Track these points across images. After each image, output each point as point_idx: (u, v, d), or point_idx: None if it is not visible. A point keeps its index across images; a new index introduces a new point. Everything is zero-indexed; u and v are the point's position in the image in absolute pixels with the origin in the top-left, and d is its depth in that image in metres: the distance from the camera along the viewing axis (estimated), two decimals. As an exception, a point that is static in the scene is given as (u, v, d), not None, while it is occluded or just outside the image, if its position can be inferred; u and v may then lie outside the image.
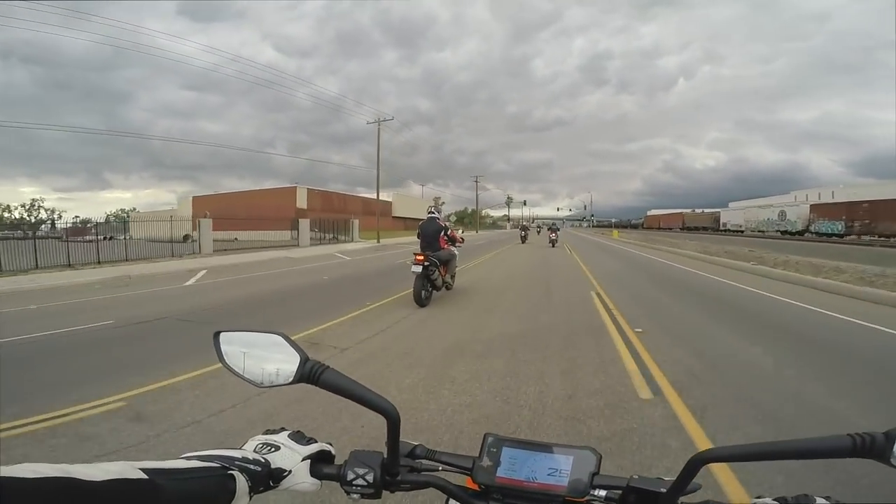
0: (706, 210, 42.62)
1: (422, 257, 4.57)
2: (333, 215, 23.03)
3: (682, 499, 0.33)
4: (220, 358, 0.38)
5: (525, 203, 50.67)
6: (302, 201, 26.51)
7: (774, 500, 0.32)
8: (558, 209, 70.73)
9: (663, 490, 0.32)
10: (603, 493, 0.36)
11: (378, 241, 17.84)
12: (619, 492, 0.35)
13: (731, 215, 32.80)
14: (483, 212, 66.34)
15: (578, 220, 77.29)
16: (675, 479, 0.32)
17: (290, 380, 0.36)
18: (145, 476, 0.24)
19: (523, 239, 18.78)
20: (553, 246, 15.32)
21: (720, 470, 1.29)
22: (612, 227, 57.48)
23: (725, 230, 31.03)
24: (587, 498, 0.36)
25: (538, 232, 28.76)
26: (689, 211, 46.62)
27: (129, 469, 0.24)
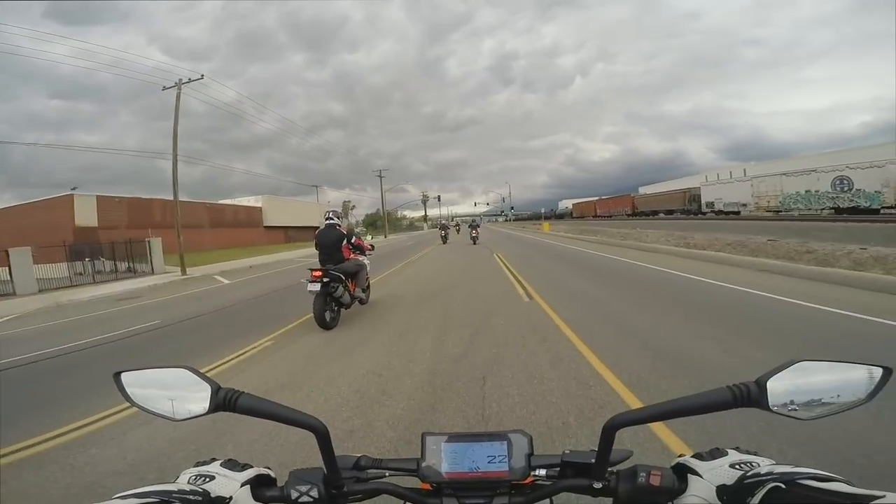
0: (676, 188, 33.85)
1: (319, 272, 4.44)
2: (149, 232, 18.50)
3: (617, 467, 0.43)
4: (127, 398, 0.42)
5: (439, 199, 53.57)
6: (87, 215, 20.46)
7: (693, 455, 0.43)
8: (475, 204, 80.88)
9: (592, 460, 0.43)
10: (543, 471, 0.45)
11: (183, 272, 12.43)
12: (556, 468, 0.45)
13: (725, 191, 23.96)
14: (400, 213, 70.39)
15: (496, 214, 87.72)
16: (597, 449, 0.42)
17: (206, 410, 0.41)
18: None
19: (444, 239, 20.42)
20: (475, 243, 17.58)
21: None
22: (531, 219, 66.37)
23: (713, 212, 24.21)
24: (530, 478, 0.45)
25: (457, 230, 31.66)
26: (646, 190, 43.78)
27: None
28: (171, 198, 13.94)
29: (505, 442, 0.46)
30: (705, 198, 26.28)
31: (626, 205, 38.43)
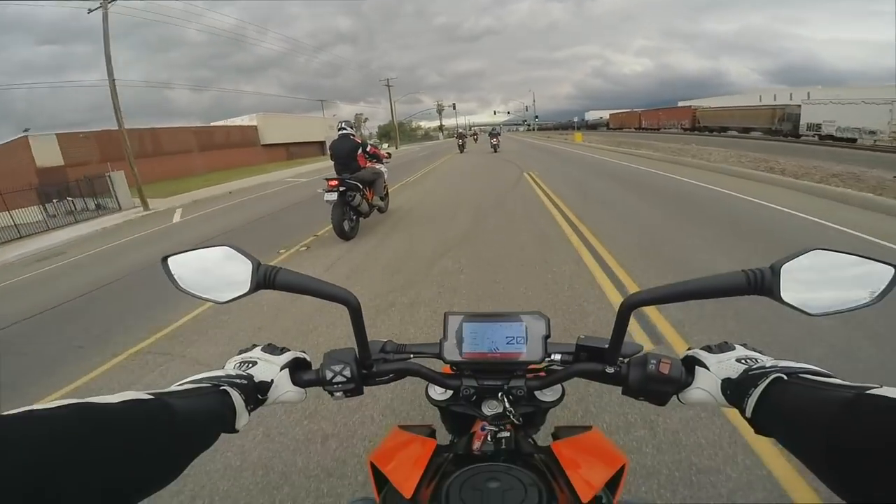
0: (758, 105, 28.57)
1: (335, 181, 4.67)
2: (109, 167, 17.39)
3: (629, 358, 0.46)
4: (174, 283, 0.46)
5: (454, 107, 50.01)
6: (49, 156, 19.54)
7: (702, 348, 0.46)
8: (495, 112, 76.57)
9: (606, 346, 0.46)
10: (558, 356, 0.49)
11: (145, 207, 11.44)
12: (571, 354, 0.49)
13: (843, 113, 19.38)
14: (414, 124, 70.37)
15: (517, 123, 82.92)
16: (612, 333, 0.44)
17: (248, 288, 0.44)
18: (154, 398, 0.32)
19: (461, 148, 20.54)
20: (495, 151, 18.01)
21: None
22: (557, 129, 62.16)
23: (816, 136, 20.14)
24: (545, 363, 0.49)
25: (475, 139, 31.03)
26: (704, 103, 37.95)
27: (138, 393, 0.31)
28: (156, 126, 14.14)
29: (522, 324, 0.49)
30: (807, 118, 21.82)
31: (683, 117, 34.22)
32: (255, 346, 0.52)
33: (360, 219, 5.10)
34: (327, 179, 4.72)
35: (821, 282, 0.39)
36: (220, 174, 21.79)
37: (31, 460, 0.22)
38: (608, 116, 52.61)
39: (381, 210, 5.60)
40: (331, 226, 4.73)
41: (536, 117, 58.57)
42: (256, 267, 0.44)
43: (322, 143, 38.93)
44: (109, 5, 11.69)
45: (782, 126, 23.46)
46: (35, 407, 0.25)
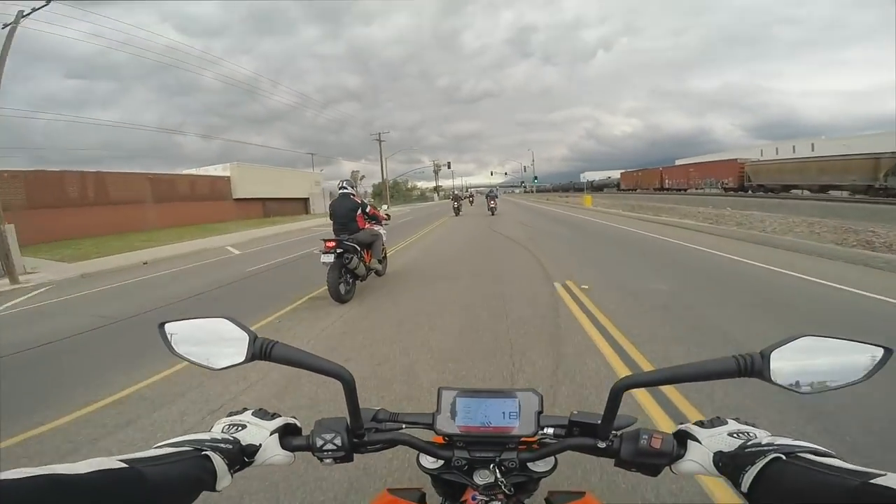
0: (848, 154, 21.22)
1: (332, 243, 4.98)
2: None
3: (622, 431, 0.52)
4: (169, 348, 0.51)
5: (450, 165, 53.65)
6: None
7: (695, 423, 0.52)
8: (492, 173, 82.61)
9: (598, 421, 0.52)
10: (550, 430, 0.55)
11: (12, 279, 8.95)
12: (564, 427, 0.54)
13: None
14: (410, 184, 76.90)
15: (513, 185, 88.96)
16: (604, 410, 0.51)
17: (243, 359, 0.50)
18: (125, 465, 0.35)
19: (456, 211, 21.89)
20: (492, 214, 19.46)
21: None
22: (555, 191, 65.67)
23: None
24: (538, 436, 0.54)
25: (471, 202, 33.01)
26: (698, 159, 38.94)
27: (109, 461, 0.34)
28: (121, 170, 13.21)
29: (516, 399, 0.55)
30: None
31: (724, 174, 29.71)
32: (245, 409, 0.57)
33: (357, 282, 5.31)
34: (325, 240, 5.00)
35: (810, 365, 0.45)
36: (173, 231, 20.94)
37: None
38: (619, 175, 51.34)
39: (378, 273, 5.86)
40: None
41: (535, 178, 62.52)
42: (253, 340, 0.50)
43: (306, 201, 39.78)
44: (23, 20, 11.05)
45: (889, 181, 17.97)
46: (1, 477, 0.27)
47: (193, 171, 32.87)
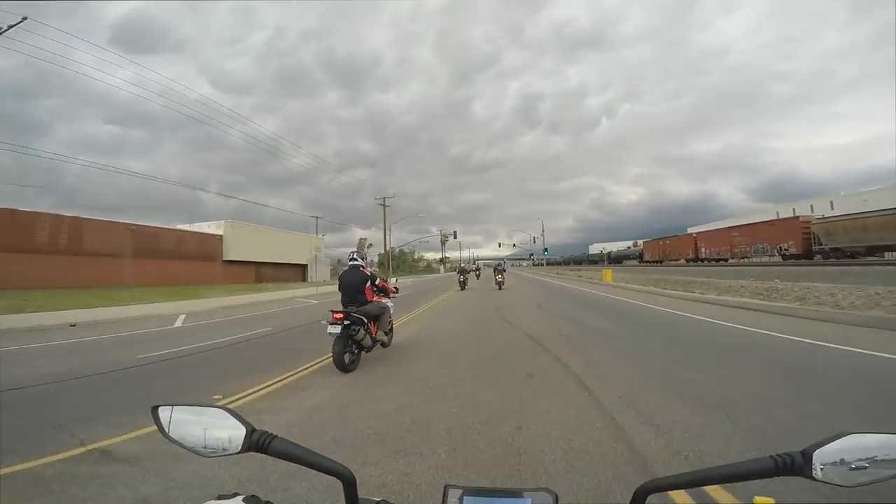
0: (853, 193, 28.20)
1: (340, 315, 5.32)
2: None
3: None
4: (162, 431, 0.56)
5: (455, 235, 55.76)
6: None
7: None
8: (500, 245, 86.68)
9: None
10: None
11: None
12: None
13: None
14: (417, 254, 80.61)
15: (521, 258, 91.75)
16: None
17: (238, 450, 0.54)
18: None
19: (462, 285, 22.22)
20: (500, 288, 19.64)
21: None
22: (565, 264, 66.43)
23: None
24: None
25: (477, 275, 33.60)
26: (704, 228, 40.45)
27: None
28: (115, 220, 13.36)
29: (527, 500, 0.54)
30: None
31: (782, 237, 25.61)
32: (237, 494, 0.59)
33: (362, 353, 5.57)
34: (333, 312, 5.35)
35: (854, 460, 0.47)
36: (146, 291, 19.81)
37: None
38: (638, 245, 48.80)
39: (384, 345, 6.16)
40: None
41: (546, 250, 63.75)
42: (250, 433, 0.54)
43: (304, 267, 40.08)
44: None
45: None
46: None
47: (185, 227, 32.27)
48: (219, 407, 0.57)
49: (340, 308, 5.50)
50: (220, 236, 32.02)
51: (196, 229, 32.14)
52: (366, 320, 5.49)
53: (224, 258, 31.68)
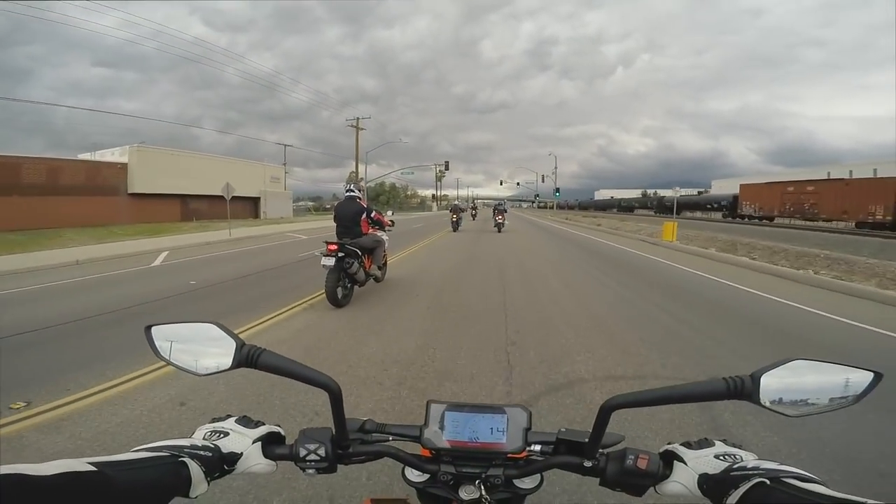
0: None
1: (334, 246, 6.53)
2: None
3: (608, 450, 0.73)
4: (155, 352, 0.72)
5: (447, 167, 55.87)
6: None
7: (682, 444, 0.72)
8: (501, 182, 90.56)
9: (586, 440, 0.72)
10: (538, 447, 0.77)
11: None
12: (551, 445, 0.77)
13: None
14: (410, 190, 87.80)
15: (523, 200, 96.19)
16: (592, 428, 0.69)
17: (229, 365, 0.70)
18: (94, 468, 0.47)
19: (455, 225, 23.85)
20: (499, 231, 20.72)
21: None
22: (580, 208, 69.36)
23: None
24: (525, 453, 0.76)
25: (473, 215, 34.98)
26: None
27: (76, 463, 0.46)
28: None
29: (504, 415, 0.77)
30: None
31: (869, 199, 26.53)
32: (229, 416, 0.80)
33: (355, 287, 6.93)
34: (327, 243, 6.55)
35: (799, 388, 0.62)
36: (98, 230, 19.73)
37: None
38: (738, 188, 43.35)
39: (377, 279, 7.58)
40: None
41: (557, 190, 65.01)
42: (240, 347, 0.70)
43: (256, 201, 40.18)
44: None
45: None
46: None
47: (88, 157, 31.82)
48: (210, 322, 0.73)
49: (335, 240, 6.70)
50: (124, 165, 31.18)
51: (100, 158, 31.77)
52: (360, 253, 6.73)
53: (130, 191, 31.04)
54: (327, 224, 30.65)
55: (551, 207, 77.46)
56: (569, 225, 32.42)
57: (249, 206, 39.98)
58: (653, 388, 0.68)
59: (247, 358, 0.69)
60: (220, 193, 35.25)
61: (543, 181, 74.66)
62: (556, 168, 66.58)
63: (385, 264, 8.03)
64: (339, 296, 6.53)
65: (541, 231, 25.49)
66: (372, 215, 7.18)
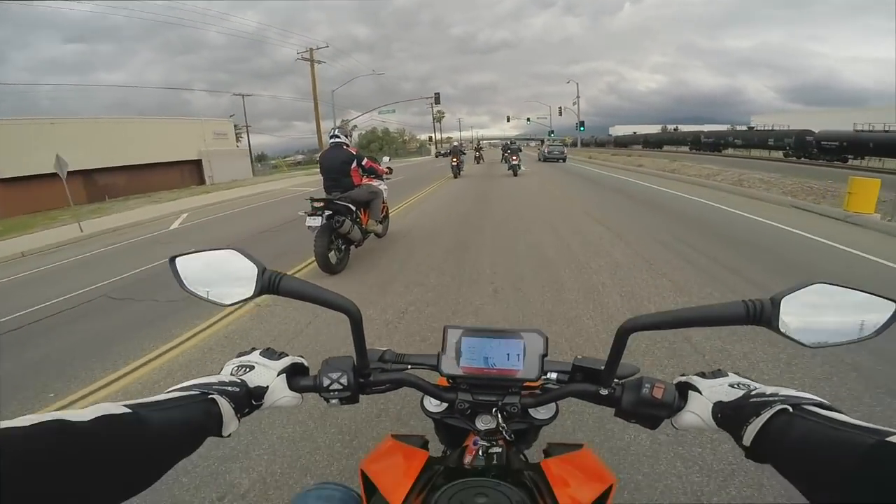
0: None
1: (320, 203, 6.96)
2: None
3: (624, 380, 0.93)
4: (180, 283, 0.91)
5: (438, 99, 55.98)
6: None
7: (696, 374, 0.92)
8: (508, 119, 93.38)
9: (602, 367, 0.91)
10: (554, 375, 1.01)
11: None
12: (567, 373, 1.00)
13: None
14: (407, 135, 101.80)
15: (533, 139, 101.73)
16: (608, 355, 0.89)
17: (252, 293, 0.88)
18: (129, 410, 0.60)
19: (456, 170, 25.09)
20: (515, 174, 21.75)
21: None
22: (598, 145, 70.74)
23: None
24: (541, 380, 0.99)
25: (478, 159, 35.49)
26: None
27: (113, 406, 0.59)
28: None
29: (521, 341, 0.96)
30: None
31: None
32: (254, 349, 1.02)
33: (352, 248, 7.44)
34: (312, 199, 6.95)
35: (820, 315, 0.74)
36: None
37: (11, 476, 0.44)
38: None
39: (378, 235, 8.18)
40: None
41: (582, 124, 65.29)
42: (262, 272, 0.87)
43: (197, 164, 40.07)
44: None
45: None
46: (11, 424, 0.48)
47: None
48: (231, 248, 0.91)
49: (322, 196, 7.08)
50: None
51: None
52: (353, 208, 7.19)
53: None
54: (296, 182, 31.35)
55: (568, 145, 79.01)
56: (598, 166, 32.06)
57: (188, 172, 40.18)
58: (670, 311, 0.82)
59: (269, 284, 0.87)
60: (144, 161, 34.70)
61: (561, 114, 75.11)
62: (578, 97, 66.58)
63: (386, 216, 8.62)
64: (333, 261, 6.96)
65: (573, 178, 24.05)
66: (364, 163, 7.53)
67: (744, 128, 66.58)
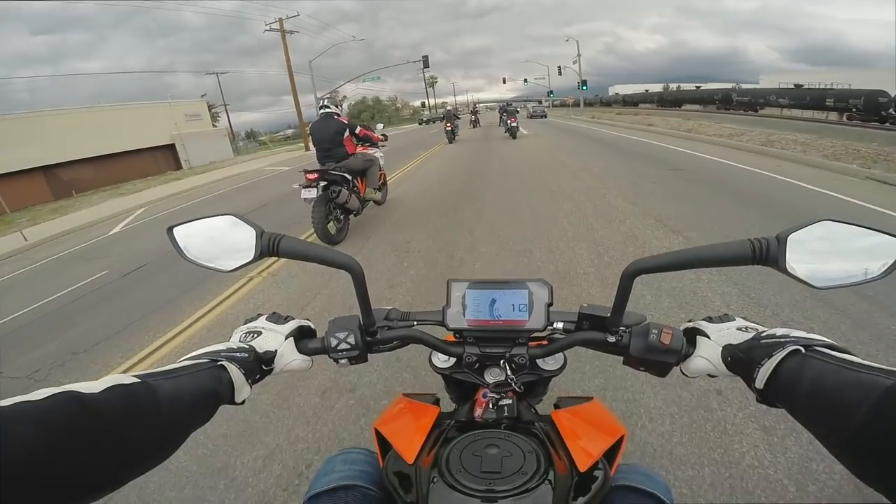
0: None
1: (315, 174, 7.14)
2: None
3: (631, 328, 1.01)
4: (180, 253, 0.99)
5: (426, 63, 55.87)
6: None
7: (703, 319, 1.00)
8: (504, 80, 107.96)
9: (608, 314, 1.00)
10: (560, 324, 1.13)
11: None
12: (573, 323, 1.12)
13: None
14: (400, 102, 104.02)
15: (530, 100, 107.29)
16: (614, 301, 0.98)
17: (252, 256, 0.95)
18: (139, 381, 0.66)
19: (451, 136, 25.99)
20: (513, 137, 22.43)
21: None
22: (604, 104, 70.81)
23: None
24: (548, 331, 1.13)
25: (473, 123, 36.10)
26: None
27: (124, 377, 0.65)
28: None
29: (526, 290, 1.03)
30: None
31: None
32: (260, 315, 1.10)
33: (351, 217, 7.65)
34: (305, 172, 7.11)
35: (827, 254, 0.76)
36: None
37: (24, 449, 0.46)
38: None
39: (377, 202, 8.46)
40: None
41: (584, 83, 64.86)
42: (260, 234, 0.92)
43: (171, 148, 40.33)
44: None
45: None
46: (25, 398, 0.51)
47: None
48: (228, 214, 0.97)
49: (317, 167, 7.26)
50: None
51: None
52: (349, 177, 7.42)
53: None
54: (276, 160, 32.15)
55: (569, 106, 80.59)
56: (604, 125, 31.29)
57: (163, 158, 40.52)
58: (675, 251, 0.84)
59: (269, 246, 0.91)
60: (113, 151, 35.02)
61: (561, 73, 75.08)
62: (578, 55, 65.84)
63: (385, 184, 8.91)
64: (332, 231, 7.19)
65: (576, 137, 23.98)
66: (357, 132, 7.75)
67: (751, 86, 65.16)
